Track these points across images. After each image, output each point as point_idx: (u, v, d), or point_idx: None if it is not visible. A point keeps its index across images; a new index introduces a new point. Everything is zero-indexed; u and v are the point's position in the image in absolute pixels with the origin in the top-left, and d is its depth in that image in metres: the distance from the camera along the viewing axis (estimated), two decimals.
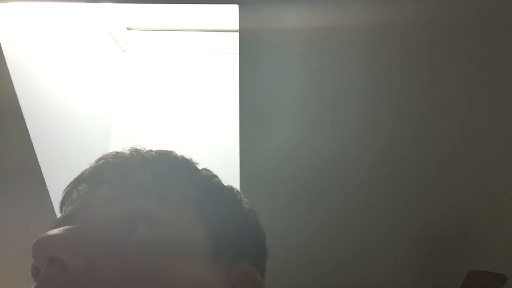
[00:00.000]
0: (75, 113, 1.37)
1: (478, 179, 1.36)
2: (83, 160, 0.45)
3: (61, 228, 0.33)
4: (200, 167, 0.44)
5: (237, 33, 1.08)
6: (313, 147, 1.31)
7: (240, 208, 0.44)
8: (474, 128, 1.25)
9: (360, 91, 1.19)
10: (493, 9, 1.01)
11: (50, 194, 1.23)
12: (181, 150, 0.46)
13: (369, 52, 1.11)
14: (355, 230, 1.51)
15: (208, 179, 0.43)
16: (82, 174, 0.42)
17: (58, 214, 0.41)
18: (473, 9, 1.01)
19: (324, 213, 1.47)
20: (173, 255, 0.34)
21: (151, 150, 0.43)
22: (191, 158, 0.44)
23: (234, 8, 1.03)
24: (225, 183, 0.45)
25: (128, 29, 1.59)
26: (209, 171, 0.45)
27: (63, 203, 0.41)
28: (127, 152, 0.42)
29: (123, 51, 1.66)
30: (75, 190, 0.41)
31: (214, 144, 1.55)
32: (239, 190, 0.46)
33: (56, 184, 1.25)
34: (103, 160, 0.42)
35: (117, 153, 0.42)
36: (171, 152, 0.43)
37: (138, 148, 0.43)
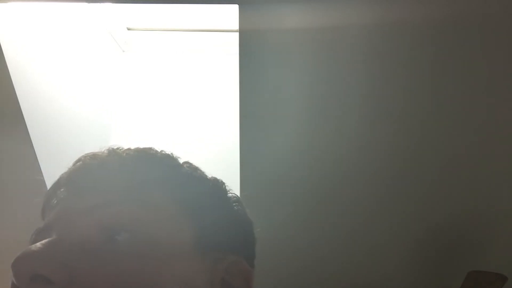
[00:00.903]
0: (75, 113, 1.37)
1: (478, 180, 1.36)
2: None
3: (38, 244, 0.32)
4: (181, 161, 0.44)
5: (237, 33, 1.08)
6: (314, 148, 1.30)
7: (225, 199, 0.44)
8: (474, 129, 1.25)
9: (361, 91, 1.19)
10: (495, 9, 1.01)
11: None
12: (181, 150, 0.45)
13: (370, 52, 1.11)
14: (357, 231, 1.51)
15: (190, 173, 0.43)
16: (60, 178, 0.41)
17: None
18: (475, 9, 1.01)
19: (325, 216, 1.47)
20: (156, 259, 0.34)
21: (129, 149, 0.42)
22: (171, 153, 0.44)
23: (234, 8, 1.03)
24: (209, 175, 0.44)
25: (128, 29, 1.59)
26: (190, 164, 0.44)
27: (44, 209, 0.41)
28: (105, 152, 0.42)
29: (123, 51, 1.66)
30: (54, 196, 0.41)
31: (214, 144, 1.55)
32: (223, 181, 0.45)
33: None
34: (80, 163, 0.41)
35: (94, 154, 0.42)
36: (150, 149, 0.43)
37: (116, 148, 0.42)
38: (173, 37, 1.61)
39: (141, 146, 0.43)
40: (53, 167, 1.25)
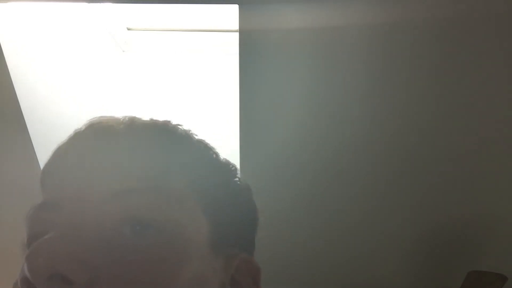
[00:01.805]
0: (75, 113, 1.37)
1: (478, 180, 1.36)
2: None
3: (57, 235, 0.29)
4: (197, 138, 0.40)
5: (237, 33, 1.08)
6: (314, 147, 1.30)
7: (239, 190, 0.40)
8: (475, 129, 1.25)
9: (360, 91, 1.19)
10: (495, 8, 1.01)
11: None
12: None
13: (370, 52, 1.11)
14: (356, 231, 1.51)
15: (209, 157, 0.39)
16: (68, 145, 0.36)
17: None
18: (475, 9, 1.01)
19: (325, 214, 1.47)
20: (179, 255, 0.32)
21: (147, 123, 0.38)
22: (190, 131, 0.40)
23: (234, 8, 1.03)
24: (222, 158, 0.41)
25: (128, 29, 1.59)
26: (206, 144, 0.41)
27: (45, 177, 0.36)
28: (121, 124, 0.36)
29: (123, 51, 1.66)
30: (60, 164, 0.35)
31: (214, 144, 1.55)
32: (236, 166, 0.42)
33: None
34: (93, 132, 0.36)
35: (109, 124, 0.36)
36: (169, 124, 0.38)
37: (131, 119, 0.37)
38: (173, 37, 1.61)
39: (159, 119, 0.39)
40: None
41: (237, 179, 0.41)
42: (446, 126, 1.25)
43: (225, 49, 1.61)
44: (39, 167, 1.21)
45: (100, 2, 1.43)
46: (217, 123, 1.59)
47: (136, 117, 0.38)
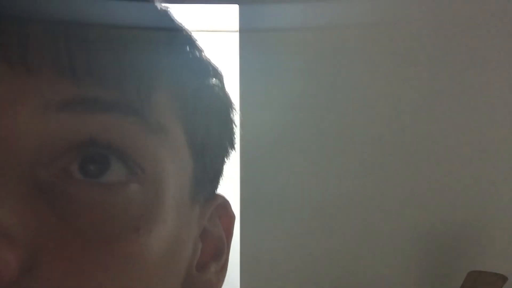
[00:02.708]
0: None
1: (479, 180, 1.36)
2: None
3: None
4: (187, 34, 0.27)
5: (237, 33, 1.08)
6: (314, 146, 1.31)
7: (223, 105, 0.29)
8: (475, 128, 1.25)
9: (360, 90, 1.19)
10: (495, 8, 1.01)
11: None
12: None
13: (369, 52, 1.11)
14: (356, 230, 1.51)
15: (193, 54, 0.27)
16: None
17: None
18: (475, 9, 1.01)
19: (324, 214, 1.47)
20: (153, 208, 0.22)
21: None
22: (182, 25, 0.27)
23: (234, 8, 1.03)
24: (212, 62, 0.29)
25: None
26: (191, 36, 0.27)
27: None
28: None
29: None
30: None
31: None
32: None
33: None
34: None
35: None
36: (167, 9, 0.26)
37: None
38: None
39: None
40: None
41: (219, 89, 0.29)
42: (446, 125, 1.25)
43: (225, 49, 1.61)
44: None
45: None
46: None
47: None
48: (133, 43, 0.23)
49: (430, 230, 1.50)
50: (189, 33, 0.27)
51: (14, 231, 0.18)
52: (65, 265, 0.19)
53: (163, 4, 0.26)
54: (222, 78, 0.30)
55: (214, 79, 0.29)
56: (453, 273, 1.57)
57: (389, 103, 1.21)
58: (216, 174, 0.29)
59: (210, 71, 0.29)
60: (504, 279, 1.28)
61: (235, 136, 0.31)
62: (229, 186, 0.39)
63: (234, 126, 0.30)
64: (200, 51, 0.28)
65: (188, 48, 0.27)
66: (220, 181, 0.30)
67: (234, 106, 0.30)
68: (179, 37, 0.27)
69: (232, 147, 0.30)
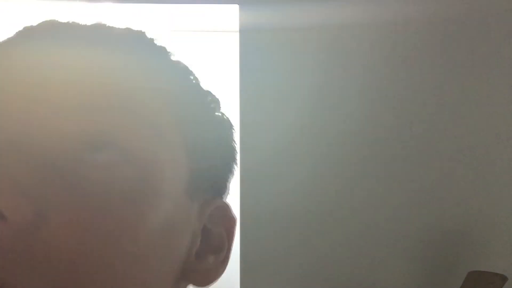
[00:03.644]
0: None
1: (479, 179, 1.36)
2: None
3: None
4: (176, 58, 0.33)
5: (237, 33, 1.09)
6: (315, 146, 1.31)
7: (221, 124, 0.34)
8: (475, 127, 1.25)
9: (361, 90, 1.19)
10: (495, 8, 1.01)
11: None
12: None
13: (370, 51, 1.11)
14: (356, 230, 1.51)
15: (189, 80, 0.33)
16: (14, 42, 0.28)
17: None
18: (475, 9, 1.01)
19: (324, 214, 1.47)
20: (148, 192, 0.26)
21: (119, 29, 0.30)
22: (165, 47, 0.32)
23: (234, 8, 1.03)
24: (202, 85, 0.35)
25: None
26: (186, 66, 0.34)
27: None
28: (87, 24, 0.29)
29: None
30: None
31: None
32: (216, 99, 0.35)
33: None
34: (44, 28, 0.28)
35: (69, 23, 0.29)
36: (146, 33, 0.31)
37: (103, 23, 0.30)
38: (173, 38, 1.61)
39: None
40: None
41: (219, 113, 0.34)
42: (446, 125, 1.25)
43: (225, 49, 1.61)
44: None
45: (100, 2, 1.43)
46: None
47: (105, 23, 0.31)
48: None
49: (430, 230, 1.50)
50: (186, 65, 0.34)
51: (27, 188, 0.22)
52: (70, 216, 0.23)
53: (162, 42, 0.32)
54: (217, 101, 0.35)
55: (209, 97, 0.34)
56: (453, 273, 1.57)
57: (389, 103, 1.21)
58: (215, 179, 0.33)
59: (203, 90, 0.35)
60: (504, 279, 1.28)
61: (235, 152, 0.36)
62: (229, 186, 0.41)
63: (233, 143, 0.35)
64: (197, 79, 0.34)
65: (184, 76, 0.33)
66: (222, 189, 0.35)
67: (232, 126, 0.35)
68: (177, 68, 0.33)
69: (233, 162, 0.35)
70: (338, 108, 1.22)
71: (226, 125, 0.35)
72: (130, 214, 0.25)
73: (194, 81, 0.34)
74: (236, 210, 0.43)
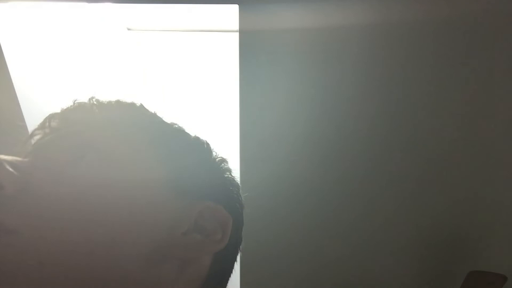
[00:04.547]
0: None
1: (479, 179, 1.36)
2: None
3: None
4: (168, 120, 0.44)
5: (237, 33, 1.08)
6: (314, 147, 1.31)
7: (201, 150, 0.44)
8: (475, 127, 1.25)
9: (360, 91, 1.19)
10: (495, 8, 1.01)
11: None
12: None
13: (369, 52, 1.11)
14: (356, 230, 1.51)
15: (169, 124, 0.43)
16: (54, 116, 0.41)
17: None
18: (475, 9, 1.01)
19: (324, 213, 1.47)
20: (126, 184, 0.34)
21: (116, 102, 0.42)
22: (155, 112, 0.43)
23: (234, 8, 1.03)
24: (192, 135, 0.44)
25: (128, 29, 1.59)
26: (176, 123, 0.44)
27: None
28: (93, 102, 0.41)
29: (123, 52, 1.66)
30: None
31: (214, 143, 1.55)
32: (208, 142, 0.46)
33: None
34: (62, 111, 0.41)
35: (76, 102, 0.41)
36: (134, 103, 0.42)
37: (99, 99, 0.41)
38: (173, 38, 1.61)
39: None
40: None
41: (203, 145, 0.44)
42: (446, 125, 1.25)
43: (225, 49, 1.61)
44: None
45: (100, 2, 1.43)
46: (216, 123, 1.59)
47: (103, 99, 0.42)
48: None
49: (430, 230, 1.50)
50: (182, 128, 0.44)
51: (16, 163, 0.31)
52: (51, 182, 0.31)
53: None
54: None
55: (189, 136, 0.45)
56: (453, 273, 1.57)
57: (389, 103, 1.21)
58: (199, 187, 0.39)
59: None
60: (504, 279, 1.28)
61: (220, 166, 0.44)
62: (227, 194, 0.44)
63: (214, 162, 0.44)
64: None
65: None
66: (211, 195, 0.40)
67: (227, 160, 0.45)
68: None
69: (220, 173, 0.44)
70: (338, 108, 1.22)
71: (203, 146, 0.44)
72: (106, 197, 0.32)
73: (179, 128, 0.44)
74: None
